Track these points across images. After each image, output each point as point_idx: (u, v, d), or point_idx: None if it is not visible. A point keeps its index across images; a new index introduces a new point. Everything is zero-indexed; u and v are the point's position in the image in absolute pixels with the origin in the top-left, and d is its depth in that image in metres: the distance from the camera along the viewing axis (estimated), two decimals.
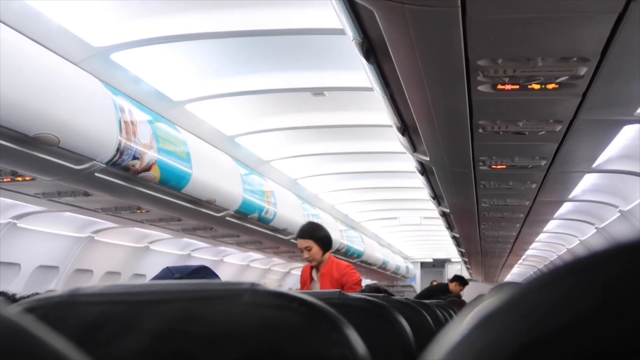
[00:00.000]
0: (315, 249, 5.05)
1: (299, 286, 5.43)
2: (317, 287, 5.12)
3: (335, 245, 10.97)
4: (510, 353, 0.34)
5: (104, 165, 4.61)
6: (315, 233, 5.12)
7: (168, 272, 1.92)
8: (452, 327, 0.39)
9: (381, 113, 5.20)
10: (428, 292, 10.04)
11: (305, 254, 5.06)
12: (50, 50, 4.16)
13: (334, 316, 1.03)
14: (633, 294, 0.33)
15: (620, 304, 0.33)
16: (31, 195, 5.61)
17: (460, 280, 10.49)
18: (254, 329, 0.99)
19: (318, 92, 6.12)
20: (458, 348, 0.37)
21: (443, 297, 7.26)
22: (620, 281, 0.34)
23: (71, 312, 1.05)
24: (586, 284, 0.35)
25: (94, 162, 4.51)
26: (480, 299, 2.67)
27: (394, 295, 3.10)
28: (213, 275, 1.93)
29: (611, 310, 0.33)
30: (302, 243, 5.06)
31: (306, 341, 0.99)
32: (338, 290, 1.77)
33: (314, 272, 5.19)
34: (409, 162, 6.53)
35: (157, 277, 2.00)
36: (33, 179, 4.85)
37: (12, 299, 2.43)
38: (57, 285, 7.23)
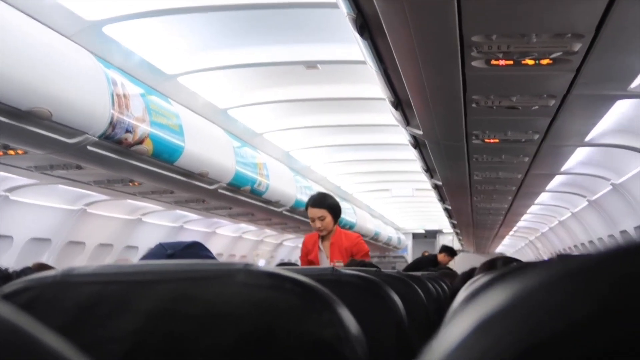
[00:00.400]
0: (329, 219, 5.05)
1: (291, 257, 5.43)
2: (324, 257, 5.12)
3: None
4: (511, 357, 0.34)
5: (97, 139, 4.59)
6: (328, 202, 5.13)
7: (161, 248, 1.92)
8: (450, 327, 0.39)
9: (374, 86, 5.19)
10: (417, 264, 10.04)
11: (318, 224, 5.03)
12: (42, 23, 4.12)
13: (327, 296, 1.04)
14: (632, 299, 0.33)
15: (619, 308, 0.33)
16: (24, 169, 5.59)
17: (449, 251, 10.45)
18: (248, 309, 0.99)
19: (311, 65, 6.10)
20: (457, 352, 0.37)
21: (433, 269, 7.28)
22: (620, 285, 0.34)
23: (65, 293, 1.06)
24: (586, 288, 0.35)
25: (87, 135, 4.50)
26: (471, 273, 2.66)
27: (379, 268, 3.11)
28: (205, 250, 1.93)
29: (611, 315, 0.33)
30: (316, 212, 5.04)
31: (299, 321, 1.00)
32: (330, 267, 1.77)
33: (320, 242, 5.18)
34: (402, 135, 6.53)
35: (150, 253, 2.00)
36: (25, 153, 4.83)
37: (4, 273, 2.43)
38: (49, 258, 7.23)
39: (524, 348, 0.34)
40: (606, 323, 0.33)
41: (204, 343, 0.98)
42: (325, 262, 5.06)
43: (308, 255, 5.20)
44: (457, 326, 0.38)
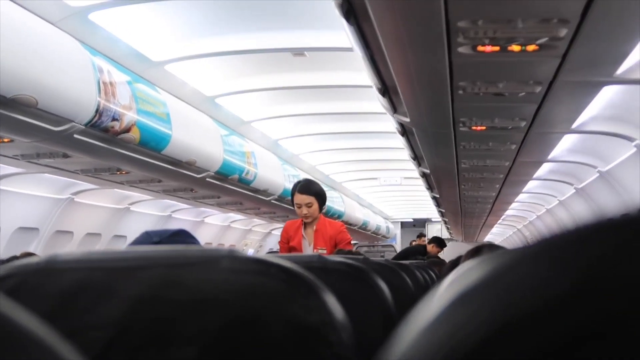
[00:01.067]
0: (315, 205, 5.01)
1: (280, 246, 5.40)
2: (307, 244, 5.10)
3: None
4: (486, 331, 0.34)
5: (83, 127, 4.58)
6: (315, 188, 5.09)
7: (147, 236, 1.91)
8: (427, 302, 0.39)
9: (362, 73, 5.18)
10: (406, 253, 10.03)
11: (304, 210, 4.99)
12: (27, 10, 4.10)
13: (312, 282, 1.04)
14: (611, 276, 0.33)
15: (598, 285, 0.33)
16: (10, 157, 5.57)
17: (438, 242, 10.35)
18: (233, 295, 0.99)
19: (298, 52, 6.09)
20: (433, 324, 0.36)
21: (422, 258, 7.28)
22: (599, 262, 0.34)
23: (49, 280, 1.05)
24: (563, 265, 0.34)
25: (73, 123, 4.48)
26: (458, 261, 2.66)
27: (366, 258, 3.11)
28: (191, 238, 1.93)
29: (589, 292, 0.33)
30: (304, 199, 5.00)
31: (285, 307, 0.99)
32: (317, 254, 1.77)
33: (303, 229, 5.16)
34: (390, 123, 6.53)
35: (136, 241, 2.00)
36: (11, 141, 4.81)
37: None
38: (37, 247, 7.21)
39: (501, 323, 0.33)
40: (582, 301, 0.32)
41: (189, 329, 0.97)
42: (308, 250, 5.04)
43: (289, 242, 5.16)
44: (435, 302, 0.38)
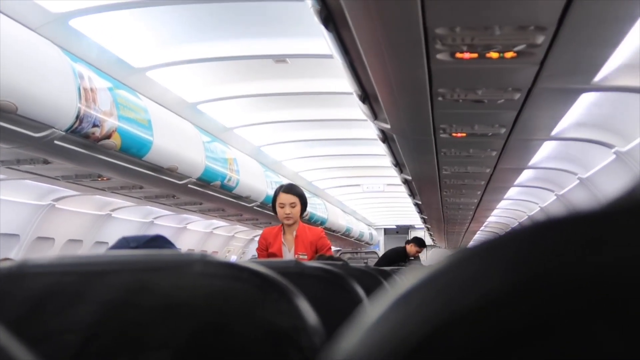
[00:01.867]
0: (298, 207, 5.03)
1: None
2: (287, 250, 5.10)
3: None
4: (424, 331, 0.34)
5: (64, 133, 4.56)
6: (298, 190, 5.12)
7: (124, 242, 1.91)
8: (371, 306, 0.40)
9: (344, 80, 5.19)
10: (387, 259, 9.98)
11: (288, 210, 5.00)
12: (7, 15, 4.08)
13: (284, 286, 1.04)
14: (550, 274, 0.33)
15: (531, 284, 0.33)
16: None
17: (417, 242, 10.21)
18: (205, 300, 0.99)
19: (280, 59, 6.09)
20: (374, 326, 0.37)
21: (403, 264, 7.28)
22: (531, 261, 0.34)
23: (20, 284, 1.05)
24: (499, 262, 0.35)
25: (53, 129, 4.46)
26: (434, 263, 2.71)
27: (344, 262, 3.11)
28: (169, 244, 1.93)
29: (523, 290, 0.33)
30: (289, 198, 5.01)
31: (257, 311, 1.00)
32: (294, 259, 1.77)
33: (283, 235, 5.16)
34: (372, 130, 6.54)
35: (114, 247, 2.00)
36: None
37: None
38: (18, 253, 7.16)
39: (439, 320, 0.34)
40: (520, 299, 0.33)
41: (160, 333, 0.98)
42: (288, 256, 5.04)
43: (268, 249, 5.16)
44: (378, 304, 0.38)
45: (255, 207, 9.32)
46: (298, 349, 1.00)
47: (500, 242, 0.36)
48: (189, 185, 7.08)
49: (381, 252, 21.89)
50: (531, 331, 0.32)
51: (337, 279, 1.70)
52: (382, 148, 7.41)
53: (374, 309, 0.38)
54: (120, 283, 1.03)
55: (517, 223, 14.30)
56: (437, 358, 0.34)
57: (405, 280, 0.38)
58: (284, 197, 5.02)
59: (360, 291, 1.70)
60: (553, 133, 5.70)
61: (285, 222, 5.05)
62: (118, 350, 0.99)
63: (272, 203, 5.18)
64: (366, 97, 4.90)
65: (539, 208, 11.19)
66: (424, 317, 0.35)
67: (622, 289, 0.32)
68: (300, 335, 1.01)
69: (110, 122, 5.01)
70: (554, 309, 0.32)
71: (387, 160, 8.41)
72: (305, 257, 4.82)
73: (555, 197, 9.60)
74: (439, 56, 3.53)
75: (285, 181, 10.02)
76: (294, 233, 5.09)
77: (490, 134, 5.36)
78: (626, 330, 0.31)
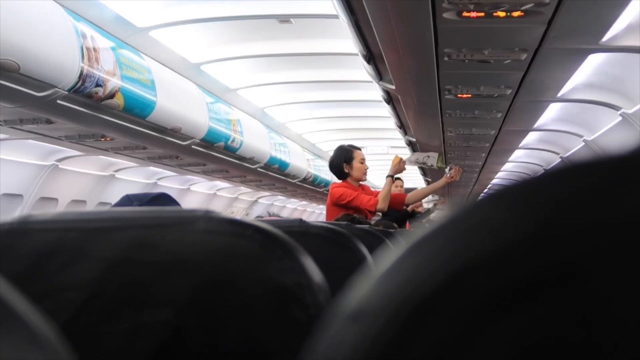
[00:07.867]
0: None
1: (265, 215, 5.44)
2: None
3: (302, 174, 11.00)
4: (438, 278, 0.33)
5: (66, 93, 4.54)
6: None
7: (127, 200, 1.91)
8: (384, 256, 0.38)
9: (348, 41, 5.15)
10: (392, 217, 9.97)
11: (366, 166, 5.41)
12: None
13: (288, 243, 1.03)
14: (563, 222, 0.32)
15: (550, 232, 0.32)
16: None
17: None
18: (208, 257, 0.98)
19: (284, 19, 6.04)
20: (385, 275, 0.36)
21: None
22: (551, 209, 0.33)
23: (22, 240, 1.04)
24: (518, 209, 0.34)
25: (56, 89, 4.44)
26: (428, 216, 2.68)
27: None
28: (173, 202, 1.92)
29: (542, 238, 0.32)
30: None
31: (260, 268, 0.99)
32: (299, 218, 1.77)
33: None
34: (376, 91, 6.51)
35: (117, 204, 1.99)
36: None
37: None
38: (22, 213, 7.16)
39: (456, 267, 0.33)
40: (540, 245, 0.32)
41: (163, 290, 0.97)
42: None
43: (357, 194, 5.42)
44: (392, 252, 0.37)
45: (258, 169, 9.31)
46: (302, 306, 0.99)
47: (520, 188, 0.35)
48: (193, 146, 7.08)
49: None
50: (551, 278, 0.31)
51: (341, 238, 1.70)
52: (386, 110, 7.39)
53: (386, 258, 0.37)
54: (123, 240, 1.01)
55: None
56: (453, 306, 0.32)
57: (420, 229, 0.37)
58: (361, 154, 5.09)
59: (365, 250, 1.70)
60: (559, 94, 5.67)
61: (364, 177, 5.26)
62: (120, 308, 0.98)
63: (338, 163, 5.25)
64: (371, 57, 4.87)
65: (543, 170, 11.12)
66: (438, 265, 0.33)
67: None
68: (305, 293, 1.00)
69: (114, 82, 4.99)
70: (576, 252, 0.31)
71: (392, 122, 8.39)
72: None
73: (560, 160, 9.57)
74: (446, 15, 3.50)
75: (289, 143, 10.03)
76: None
77: (495, 95, 5.33)
78: None
